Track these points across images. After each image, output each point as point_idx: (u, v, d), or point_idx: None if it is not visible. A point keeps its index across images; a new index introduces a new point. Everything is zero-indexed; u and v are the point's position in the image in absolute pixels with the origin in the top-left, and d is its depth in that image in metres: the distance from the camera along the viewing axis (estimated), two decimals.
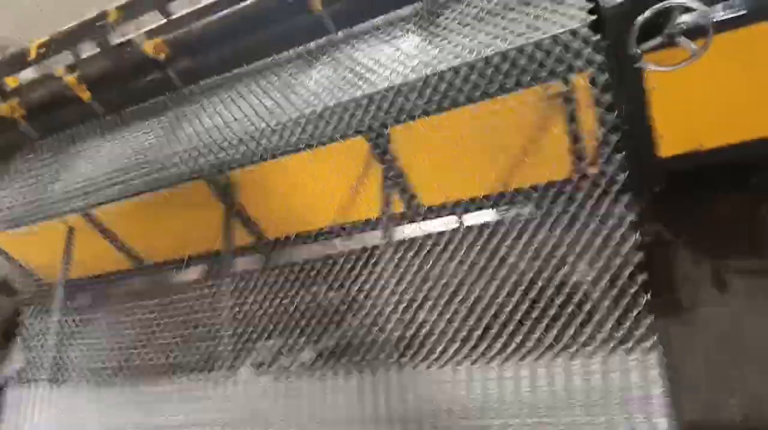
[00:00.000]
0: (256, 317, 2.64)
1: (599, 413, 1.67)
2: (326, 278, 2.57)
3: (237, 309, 2.70)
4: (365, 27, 2.39)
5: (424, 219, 2.50)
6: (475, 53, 1.88)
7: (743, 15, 1.71)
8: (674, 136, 2.08)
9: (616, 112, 2.05)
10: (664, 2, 1.68)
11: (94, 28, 2.64)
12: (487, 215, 2.30)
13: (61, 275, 3.29)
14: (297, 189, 2.67)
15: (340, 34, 2.42)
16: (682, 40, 1.74)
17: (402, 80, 2.05)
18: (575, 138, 2.05)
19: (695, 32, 1.73)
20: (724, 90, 1.92)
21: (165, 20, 2.69)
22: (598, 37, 1.72)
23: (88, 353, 3.07)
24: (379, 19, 2.33)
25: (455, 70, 1.98)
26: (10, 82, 3.20)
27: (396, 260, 2.32)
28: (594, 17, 1.73)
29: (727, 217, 2.06)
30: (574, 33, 1.74)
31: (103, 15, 2.60)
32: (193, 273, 3.25)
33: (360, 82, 2.14)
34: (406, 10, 2.29)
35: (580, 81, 2.02)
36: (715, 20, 1.69)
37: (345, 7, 2.36)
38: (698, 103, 1.98)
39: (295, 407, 2.34)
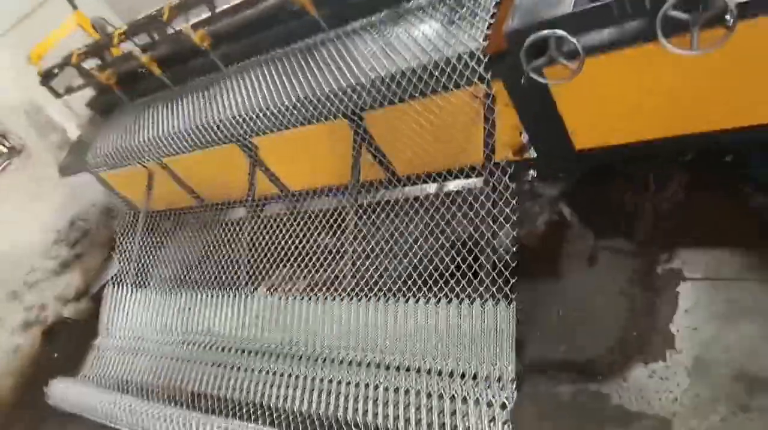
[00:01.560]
0: (272, 251, 3.43)
1: (469, 345, 2.25)
2: (325, 227, 3.27)
3: (261, 245, 3.51)
4: (355, 26, 2.93)
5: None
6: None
7: (613, 42, 2.06)
8: (585, 133, 2.47)
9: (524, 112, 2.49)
10: (539, 34, 2.08)
11: (156, 20, 3.41)
12: (434, 187, 2.85)
13: (144, 206, 4.30)
14: None
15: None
16: (562, 60, 2.13)
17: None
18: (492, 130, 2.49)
19: (574, 55, 2.11)
20: (617, 97, 2.28)
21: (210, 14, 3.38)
22: (485, 57, 2.16)
23: (159, 266, 4.08)
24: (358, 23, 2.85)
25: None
26: (115, 51, 4.11)
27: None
28: (485, 43, 2.16)
29: (617, 204, 2.44)
30: (471, 54, 2.20)
31: (160, 11, 3.35)
32: (239, 212, 4.08)
33: None
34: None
35: (498, 85, 2.46)
36: (584, 46, 2.06)
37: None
38: (600, 106, 2.35)
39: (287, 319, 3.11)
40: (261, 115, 3.08)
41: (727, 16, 1.78)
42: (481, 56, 2.19)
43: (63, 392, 3.95)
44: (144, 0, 4.34)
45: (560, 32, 2.07)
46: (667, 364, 1.90)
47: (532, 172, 2.75)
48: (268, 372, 2.96)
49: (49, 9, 4.98)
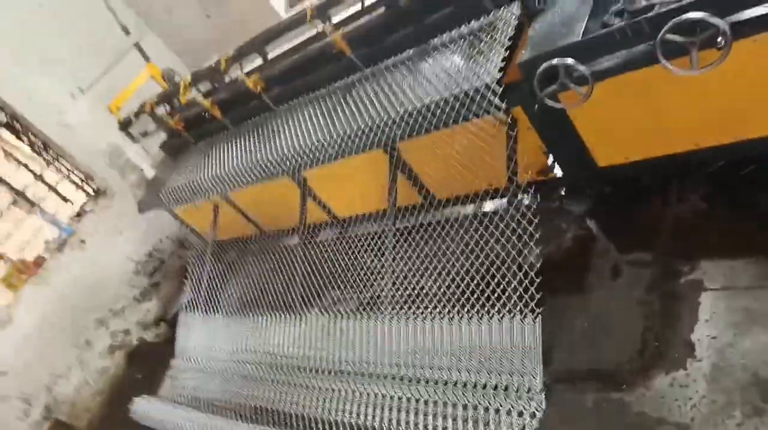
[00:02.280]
0: (324, 274, 3.69)
1: (500, 359, 2.39)
2: (370, 248, 3.50)
3: (315, 269, 3.79)
4: (387, 64, 3.18)
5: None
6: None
7: (617, 65, 2.18)
8: (605, 150, 2.58)
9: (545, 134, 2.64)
10: (548, 63, 2.23)
11: (215, 71, 3.82)
12: (467, 209, 3.02)
13: (211, 237, 4.71)
14: None
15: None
16: (572, 86, 2.27)
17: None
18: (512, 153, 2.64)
19: (584, 81, 2.25)
20: (630, 117, 2.38)
21: (262, 62, 3.75)
22: (500, 88, 2.34)
23: (226, 292, 4.44)
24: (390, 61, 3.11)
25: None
26: (182, 98, 4.58)
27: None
28: (500, 75, 2.35)
29: (641, 217, 2.50)
30: (487, 86, 2.38)
31: (219, 62, 3.76)
32: (294, 239, 4.38)
33: None
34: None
35: (517, 112, 2.62)
36: (592, 72, 2.19)
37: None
38: (615, 126, 2.46)
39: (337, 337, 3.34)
40: (306, 151, 3.38)
41: (719, 39, 1.88)
42: (496, 88, 2.37)
43: (145, 409, 4.36)
44: (208, 47, 4.86)
45: (568, 60, 2.22)
46: (688, 372, 1.96)
47: (560, 191, 2.87)
48: (321, 388, 3.20)
49: (126, 64, 5.60)
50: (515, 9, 2.56)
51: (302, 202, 3.87)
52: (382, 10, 2.94)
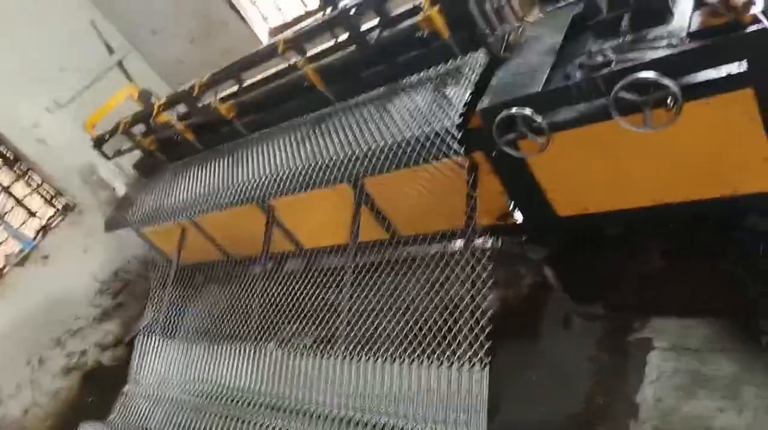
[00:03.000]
0: (283, 307, 3.63)
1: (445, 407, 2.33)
2: (330, 282, 3.45)
3: (273, 300, 3.72)
4: (357, 101, 3.19)
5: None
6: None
7: (574, 118, 2.20)
8: (564, 200, 2.58)
9: (506, 180, 2.64)
10: (507, 112, 2.24)
11: (188, 95, 3.81)
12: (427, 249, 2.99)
13: (175, 260, 4.62)
14: None
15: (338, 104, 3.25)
16: (530, 135, 2.28)
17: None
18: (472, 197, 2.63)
19: (542, 131, 2.26)
20: (588, 169, 2.39)
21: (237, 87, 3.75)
22: (459, 133, 2.34)
23: (186, 317, 4.34)
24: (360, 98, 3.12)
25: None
26: (160, 119, 4.54)
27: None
28: (461, 120, 2.35)
29: (599, 269, 2.49)
30: (447, 131, 2.39)
31: (192, 86, 3.75)
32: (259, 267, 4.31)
33: None
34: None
35: (479, 156, 2.63)
36: (549, 123, 2.20)
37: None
38: (574, 177, 2.47)
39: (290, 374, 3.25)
40: (274, 180, 3.35)
41: (669, 100, 1.90)
42: (455, 133, 2.37)
43: None
44: (192, 71, 4.86)
45: (526, 110, 2.23)
46: None
47: (521, 237, 2.85)
48: (268, 426, 3.10)
49: (107, 82, 5.59)
50: (481, 56, 2.59)
51: (268, 231, 3.83)
52: (353, 47, 2.96)
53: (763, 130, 1.90)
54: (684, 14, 2.08)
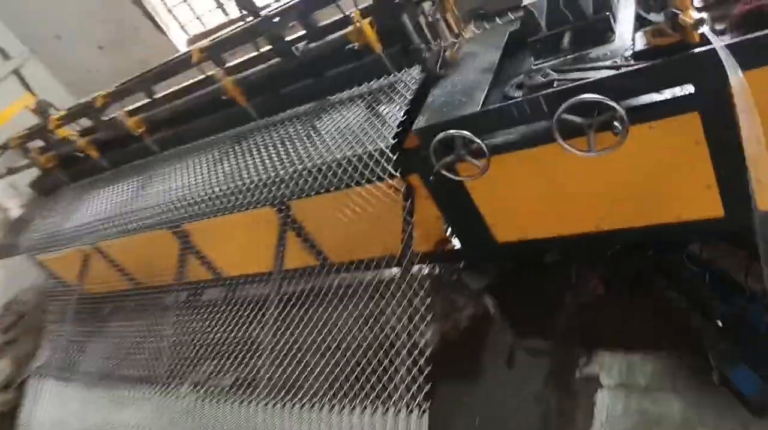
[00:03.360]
0: (198, 343, 3.26)
1: None
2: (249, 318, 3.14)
3: (188, 336, 3.35)
4: (282, 117, 2.93)
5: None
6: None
7: (515, 140, 2.06)
8: (504, 226, 2.44)
9: (443, 205, 2.46)
10: (445, 133, 2.07)
11: (90, 107, 3.40)
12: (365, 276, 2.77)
13: (77, 290, 4.12)
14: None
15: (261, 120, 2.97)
16: (468, 158, 2.12)
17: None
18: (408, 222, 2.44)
19: (481, 153, 2.10)
20: (529, 194, 2.26)
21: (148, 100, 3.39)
22: (393, 155, 2.14)
23: (86, 357, 3.85)
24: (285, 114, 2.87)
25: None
26: (61, 133, 4.06)
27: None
28: (395, 141, 2.16)
29: (541, 298, 2.36)
30: (381, 152, 2.18)
31: (93, 99, 3.35)
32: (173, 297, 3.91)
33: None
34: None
35: (415, 179, 2.44)
36: (489, 145, 2.05)
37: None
38: (514, 202, 2.33)
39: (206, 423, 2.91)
40: (189, 203, 3.01)
41: (616, 123, 1.79)
42: (390, 154, 2.17)
43: None
44: (102, 80, 4.41)
45: (465, 132, 2.07)
46: None
47: (458, 264, 2.69)
48: None
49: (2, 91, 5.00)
50: (416, 73, 2.41)
51: (182, 258, 3.46)
52: (277, 59, 2.71)
53: (708, 156, 1.83)
54: (626, 33, 1.99)
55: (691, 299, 2.04)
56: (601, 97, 1.76)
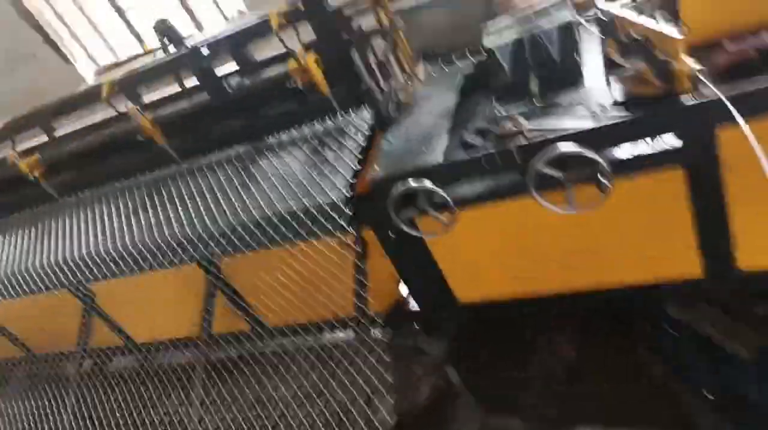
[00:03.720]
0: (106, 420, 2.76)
1: None
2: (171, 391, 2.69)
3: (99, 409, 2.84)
4: (210, 160, 2.58)
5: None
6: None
7: (483, 193, 1.86)
8: (466, 285, 2.21)
9: (399, 262, 2.21)
10: (406, 185, 1.84)
11: None
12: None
13: None
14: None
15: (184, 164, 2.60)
16: (432, 212, 1.89)
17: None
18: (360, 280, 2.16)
19: (445, 207, 1.88)
20: (496, 250, 2.05)
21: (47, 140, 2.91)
22: (347, 209, 1.88)
23: None
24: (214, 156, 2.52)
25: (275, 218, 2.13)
26: None
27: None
28: (348, 194, 1.89)
29: (507, 365, 2.15)
30: (333, 205, 1.90)
31: None
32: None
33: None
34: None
35: (369, 234, 2.18)
36: (455, 199, 1.84)
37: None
38: (479, 259, 2.11)
39: None
40: (95, 259, 2.56)
41: (601, 177, 1.63)
42: (344, 208, 1.90)
43: None
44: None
45: (429, 184, 1.84)
46: None
47: (414, 326, 2.42)
48: None
49: None
50: (367, 116, 2.18)
51: (85, 323, 2.95)
52: (205, 95, 2.38)
53: (690, 215, 1.71)
54: (596, 78, 1.87)
55: (674, 367, 1.89)
56: (585, 150, 1.60)
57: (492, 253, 2.04)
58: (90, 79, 4.22)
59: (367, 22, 2.22)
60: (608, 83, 1.80)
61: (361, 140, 2.08)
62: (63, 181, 2.93)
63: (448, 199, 1.83)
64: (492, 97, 2.08)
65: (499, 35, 2.00)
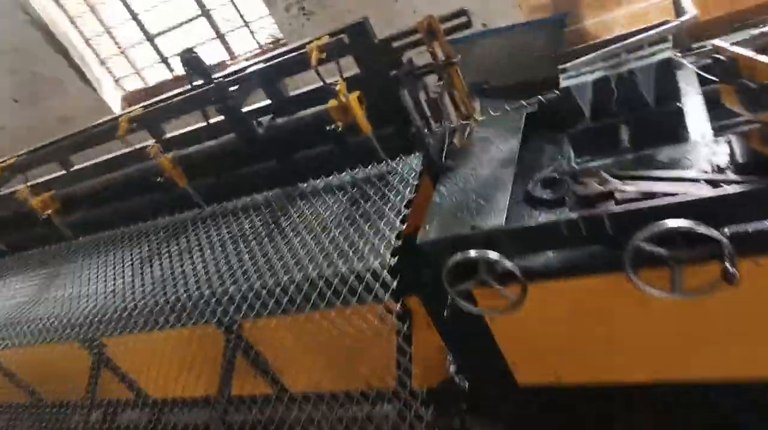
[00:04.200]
0: None
1: None
2: None
3: None
4: (235, 205, 2.31)
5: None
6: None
7: (561, 267, 1.52)
8: (530, 366, 1.86)
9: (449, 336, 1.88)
10: (465, 256, 1.51)
11: None
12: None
13: None
14: None
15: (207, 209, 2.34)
16: (497, 286, 1.56)
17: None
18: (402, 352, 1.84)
19: (511, 279, 1.55)
20: (569, 330, 1.71)
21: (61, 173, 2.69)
22: (391, 278, 1.56)
23: None
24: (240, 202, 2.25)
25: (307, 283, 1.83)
26: None
27: None
28: (391, 260, 1.57)
29: None
30: (374, 273, 1.59)
31: None
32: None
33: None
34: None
35: (414, 300, 1.86)
36: (525, 271, 1.51)
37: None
38: (549, 338, 1.76)
39: None
40: (105, 315, 2.29)
41: (724, 261, 1.27)
42: (387, 277, 1.58)
43: None
44: (18, 139, 3.65)
45: (494, 254, 1.51)
46: None
47: (461, 406, 2.08)
48: None
49: None
50: (416, 163, 1.87)
51: (94, 374, 2.69)
52: (232, 135, 2.11)
53: None
54: (701, 128, 1.53)
55: None
56: (703, 227, 1.26)
57: (565, 334, 1.70)
58: (116, 107, 4.04)
59: (418, 56, 1.93)
60: (719, 137, 1.46)
61: (408, 192, 1.77)
62: (77, 220, 2.70)
63: (518, 273, 1.50)
64: (563, 141, 1.77)
65: (579, 72, 1.68)
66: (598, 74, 1.62)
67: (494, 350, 1.83)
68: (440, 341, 1.94)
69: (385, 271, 1.58)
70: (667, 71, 1.54)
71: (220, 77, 2.06)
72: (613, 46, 1.65)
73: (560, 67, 1.72)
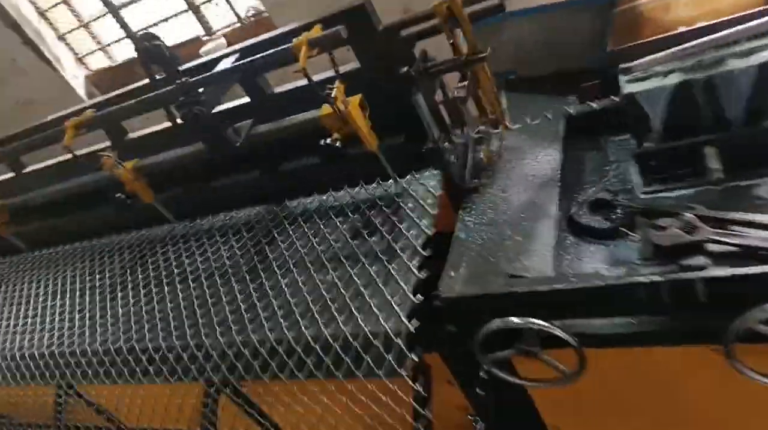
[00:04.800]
0: None
1: None
2: None
3: None
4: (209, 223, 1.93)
5: None
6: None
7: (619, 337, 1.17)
8: None
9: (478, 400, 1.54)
10: (503, 323, 1.16)
11: None
12: None
13: None
14: None
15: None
16: (545, 358, 1.21)
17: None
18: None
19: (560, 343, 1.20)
20: (630, 402, 1.37)
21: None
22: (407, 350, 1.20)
23: None
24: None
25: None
26: None
27: None
28: (412, 323, 1.21)
29: None
30: (386, 338, 1.23)
31: None
32: None
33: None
34: None
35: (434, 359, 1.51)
36: (580, 336, 1.15)
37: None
38: (600, 409, 1.43)
39: None
40: (76, 359, 1.93)
41: None
42: (404, 346, 1.22)
43: None
44: None
45: (537, 322, 1.15)
46: None
47: None
48: None
49: None
50: (432, 183, 1.49)
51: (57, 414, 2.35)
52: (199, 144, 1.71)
53: None
54: None
55: None
56: None
57: (629, 410, 1.36)
58: (80, 87, 3.57)
59: (434, 47, 1.51)
60: None
61: (426, 226, 1.39)
62: (29, 232, 2.32)
63: (574, 342, 1.15)
64: (606, 147, 1.41)
65: (647, 74, 1.30)
66: (675, 78, 1.24)
67: (532, 418, 1.50)
68: (463, 400, 1.60)
69: (399, 340, 1.22)
70: None
71: (186, 71, 1.64)
72: (694, 42, 1.26)
73: (622, 66, 1.33)
